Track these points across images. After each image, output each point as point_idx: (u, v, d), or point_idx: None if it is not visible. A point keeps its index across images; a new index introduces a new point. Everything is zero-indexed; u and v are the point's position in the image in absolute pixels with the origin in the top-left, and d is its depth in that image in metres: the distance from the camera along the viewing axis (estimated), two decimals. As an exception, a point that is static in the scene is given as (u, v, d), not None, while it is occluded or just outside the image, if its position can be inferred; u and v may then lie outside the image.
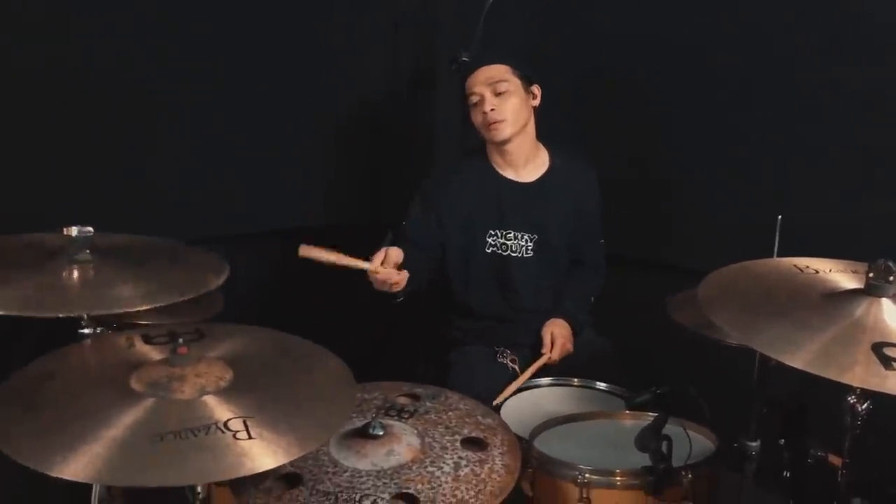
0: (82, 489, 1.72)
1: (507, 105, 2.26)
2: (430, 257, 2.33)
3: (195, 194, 2.66)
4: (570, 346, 2.33)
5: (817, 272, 1.63)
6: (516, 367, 2.32)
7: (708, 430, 1.85)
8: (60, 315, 1.60)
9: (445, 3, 3.02)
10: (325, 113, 2.97)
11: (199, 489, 1.49)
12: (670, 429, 1.62)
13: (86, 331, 1.74)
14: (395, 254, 2.06)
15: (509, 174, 2.37)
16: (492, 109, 2.25)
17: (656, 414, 1.67)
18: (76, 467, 1.23)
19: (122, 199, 2.45)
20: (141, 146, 2.57)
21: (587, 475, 1.64)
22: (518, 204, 2.35)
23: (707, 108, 2.64)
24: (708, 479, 1.71)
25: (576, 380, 2.26)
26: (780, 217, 1.90)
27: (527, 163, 2.38)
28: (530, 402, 2.18)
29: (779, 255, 1.84)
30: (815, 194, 2.41)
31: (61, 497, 1.93)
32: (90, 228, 1.73)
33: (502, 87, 2.25)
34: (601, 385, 2.24)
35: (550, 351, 2.29)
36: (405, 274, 2.07)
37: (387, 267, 2.03)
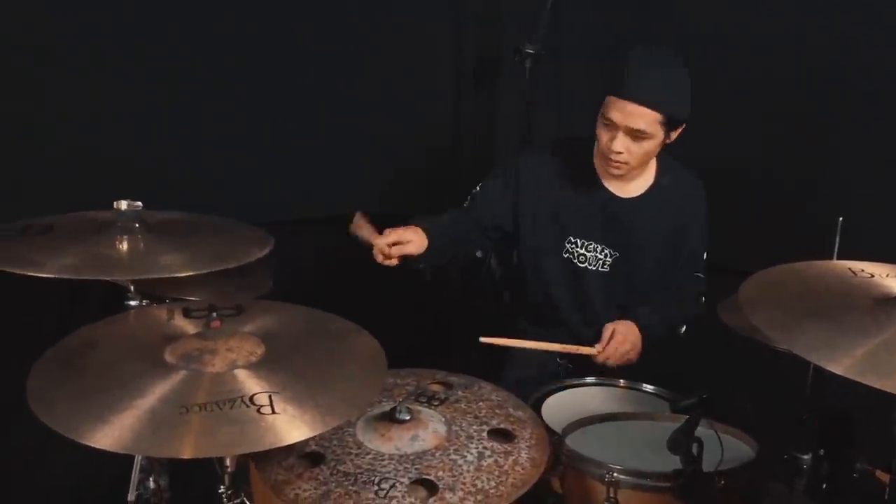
0: (125, 456, 1.79)
1: (639, 150, 2.07)
2: (483, 236, 2.28)
3: (252, 179, 2.71)
4: (631, 354, 2.14)
5: (872, 276, 1.55)
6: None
7: (748, 437, 1.77)
8: (104, 279, 1.67)
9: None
10: (384, 102, 2.99)
11: (227, 462, 1.52)
12: (706, 433, 1.56)
13: (132, 303, 1.81)
14: (399, 233, 2.04)
15: (610, 185, 2.23)
16: (620, 153, 2.07)
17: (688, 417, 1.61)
18: (106, 437, 1.28)
19: (175, 182, 2.52)
20: (196, 132, 2.64)
21: (615, 475, 1.60)
22: (609, 219, 2.22)
23: (768, 106, 2.55)
24: (744, 487, 1.64)
25: (622, 381, 2.20)
26: (840, 219, 1.82)
27: (631, 180, 2.22)
28: (574, 402, 2.13)
29: (838, 259, 1.76)
30: (880, 197, 2.30)
31: (106, 463, 2.02)
32: (139, 203, 1.80)
33: (643, 134, 2.03)
34: (648, 387, 2.17)
35: (604, 348, 2.12)
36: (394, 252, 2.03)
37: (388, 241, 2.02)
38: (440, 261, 2.19)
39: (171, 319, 1.64)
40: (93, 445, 1.27)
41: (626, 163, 2.09)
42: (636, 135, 2.03)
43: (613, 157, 2.08)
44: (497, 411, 1.69)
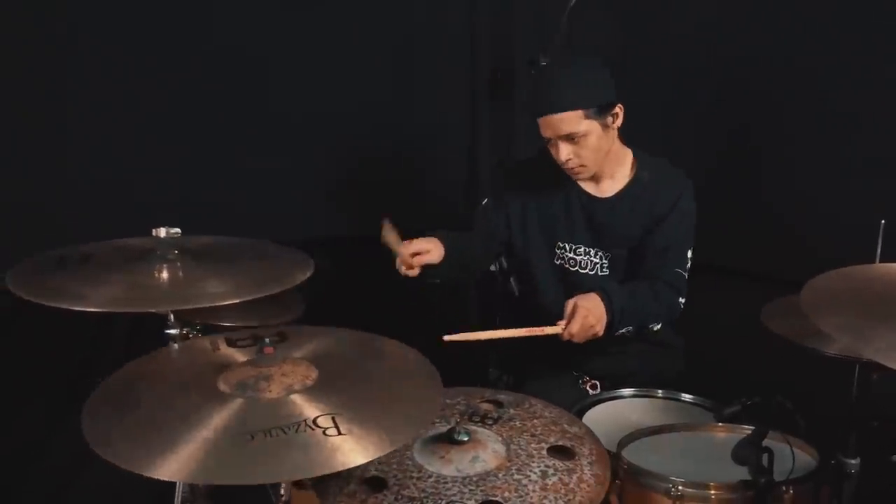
0: (166, 486, 1.75)
1: (584, 150, 2.09)
2: (488, 247, 2.30)
3: (283, 198, 2.69)
4: (597, 328, 2.01)
5: (927, 278, 1.54)
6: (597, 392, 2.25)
7: (806, 444, 1.76)
8: (149, 311, 1.64)
9: (524, 3, 2.98)
10: (400, 118, 2.98)
11: (282, 490, 1.49)
12: (770, 443, 1.54)
13: (172, 331, 1.77)
14: (419, 244, 2.07)
15: (588, 187, 2.24)
16: (568, 160, 2.10)
17: (748, 427, 1.60)
18: (172, 468, 1.25)
19: (210, 204, 2.49)
20: (230, 154, 2.62)
21: (681, 487, 1.58)
22: (591, 219, 2.23)
23: (805, 110, 2.54)
24: (809, 497, 1.62)
25: (660, 391, 2.19)
26: (883, 222, 1.82)
27: (607, 177, 2.23)
28: (613, 414, 2.11)
29: (881, 262, 1.75)
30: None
31: (145, 494, 1.97)
32: (178, 230, 1.77)
33: (576, 134, 2.06)
34: (686, 397, 2.16)
35: (567, 324, 2.00)
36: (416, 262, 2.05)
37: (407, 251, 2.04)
38: (456, 273, 2.20)
39: (217, 350, 1.61)
40: (160, 478, 1.23)
41: (582, 166, 2.13)
42: (572, 138, 2.07)
43: (566, 166, 2.13)
44: (553, 428, 1.67)
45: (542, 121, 2.08)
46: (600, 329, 2.03)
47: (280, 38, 2.71)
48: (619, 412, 2.12)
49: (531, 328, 2.02)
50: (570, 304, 2.02)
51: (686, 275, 2.19)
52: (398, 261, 2.06)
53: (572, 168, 2.14)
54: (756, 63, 2.60)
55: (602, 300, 2.03)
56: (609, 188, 2.24)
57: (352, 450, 1.28)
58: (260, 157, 2.71)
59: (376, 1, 2.89)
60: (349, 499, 1.46)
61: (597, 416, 2.08)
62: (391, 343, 1.66)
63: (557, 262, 2.28)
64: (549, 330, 2.02)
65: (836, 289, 1.50)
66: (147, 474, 1.24)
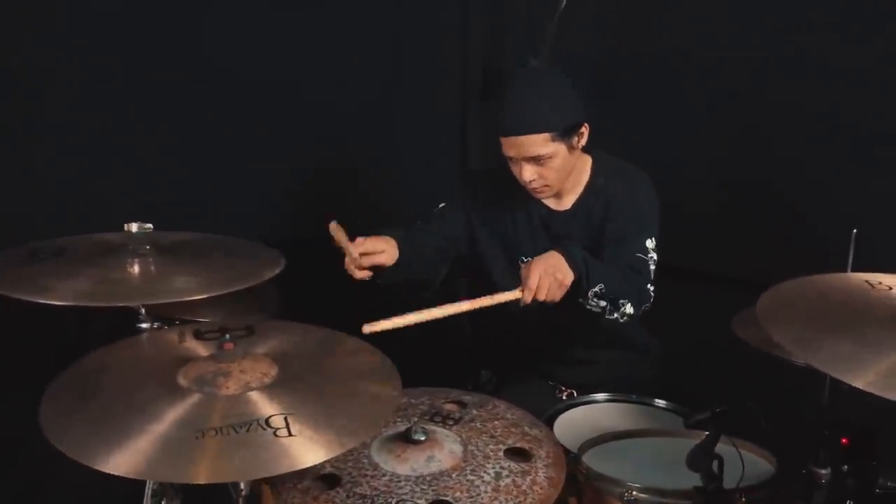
0: (138, 483, 1.77)
1: (548, 172, 2.05)
2: (441, 252, 2.23)
3: (262, 198, 2.71)
4: (562, 279, 1.87)
5: (891, 288, 1.53)
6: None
7: (767, 453, 1.76)
8: (120, 304, 1.66)
9: (515, 4, 2.98)
10: (389, 118, 2.98)
11: (241, 486, 1.51)
12: (725, 449, 1.54)
13: (144, 325, 1.79)
14: (371, 243, 2.01)
15: (548, 201, 2.20)
16: (532, 181, 2.06)
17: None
18: (121, 462, 1.26)
19: (183, 201, 2.51)
20: (206, 150, 2.64)
21: (634, 493, 1.58)
22: (550, 233, 2.20)
23: (781, 119, 2.54)
24: (765, 504, 1.62)
25: (634, 396, 2.19)
26: (854, 231, 1.81)
27: (567, 191, 2.19)
28: (586, 418, 2.12)
29: (852, 271, 1.75)
30: (893, 207, 2.28)
31: (116, 487, 2.00)
32: (150, 225, 1.79)
33: (541, 157, 2.01)
34: (660, 402, 2.16)
35: (528, 289, 1.87)
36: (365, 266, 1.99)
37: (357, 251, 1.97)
38: (407, 276, 2.12)
39: (183, 342, 1.63)
40: (107, 471, 1.25)
41: (546, 186, 2.08)
42: (537, 160, 2.02)
43: (530, 186, 2.08)
44: (513, 430, 1.68)
45: (505, 140, 2.03)
46: (566, 278, 1.89)
47: (268, 36, 2.72)
48: (592, 416, 2.13)
49: (482, 299, 1.87)
50: (524, 267, 1.91)
51: (650, 262, 2.09)
52: (346, 261, 1.99)
53: (535, 188, 2.09)
54: (744, 70, 2.59)
55: (561, 253, 1.93)
56: (567, 200, 2.20)
57: (301, 452, 1.29)
58: (241, 156, 2.73)
59: (368, 1, 2.90)
60: (302, 495, 1.48)
61: (569, 421, 2.09)
62: (357, 342, 1.67)
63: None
64: (504, 297, 1.87)
65: (792, 298, 1.50)
66: (96, 467, 1.25)
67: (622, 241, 2.10)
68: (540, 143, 2.00)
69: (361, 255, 1.98)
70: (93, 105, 2.47)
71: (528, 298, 1.88)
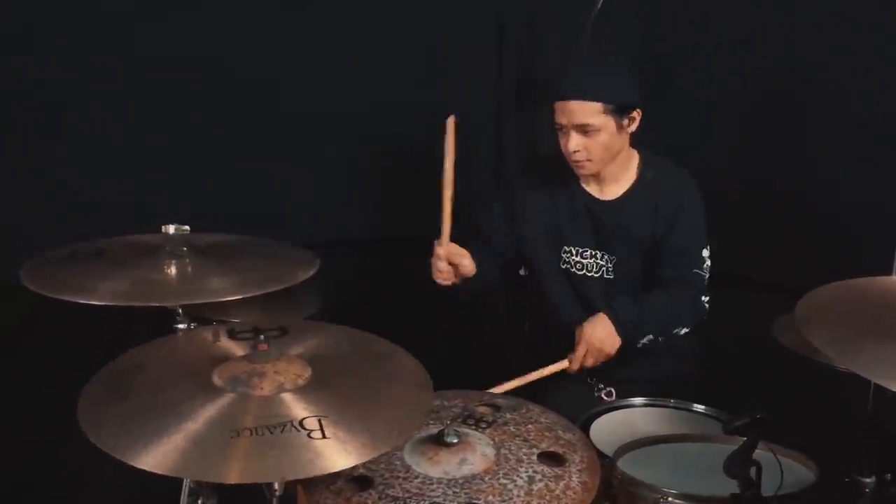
0: (176, 484, 1.80)
1: (594, 145, 2.08)
2: (500, 254, 2.29)
3: (296, 199, 2.73)
4: (607, 349, 2.06)
5: (936, 293, 1.49)
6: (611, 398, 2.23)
7: (808, 460, 1.71)
8: (157, 305, 1.68)
9: (550, 6, 2.97)
10: (425, 127, 2.98)
11: (276, 486, 1.51)
12: (763, 455, 1.51)
13: (181, 326, 1.82)
14: (457, 249, 2.09)
15: (592, 189, 2.23)
16: (576, 151, 2.09)
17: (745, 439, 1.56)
18: (155, 458, 1.27)
19: (220, 203, 2.55)
20: (242, 153, 2.67)
21: (670, 499, 1.56)
22: (597, 223, 2.21)
23: (824, 120, 2.48)
24: (805, 513, 1.59)
25: (672, 401, 2.15)
26: (901, 234, 1.77)
27: (612, 180, 2.22)
28: (622, 423, 2.09)
29: (896, 275, 1.71)
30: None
31: (154, 486, 2.03)
32: (187, 227, 1.82)
33: (590, 127, 2.06)
34: (699, 407, 2.12)
35: (575, 359, 2.07)
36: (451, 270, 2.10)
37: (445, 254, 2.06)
38: (479, 288, 2.21)
39: (217, 341, 1.64)
40: (140, 467, 1.27)
41: (588, 160, 2.10)
42: (585, 129, 2.05)
43: (573, 157, 2.11)
44: (546, 434, 1.66)
45: (559, 105, 2.07)
46: (611, 349, 2.06)
47: (302, 39, 2.74)
48: (628, 421, 2.10)
49: (541, 371, 2.07)
50: (578, 335, 2.06)
51: (705, 275, 2.17)
52: (435, 268, 2.08)
53: (577, 161, 2.12)
54: (776, 71, 2.55)
55: (609, 317, 2.06)
56: (614, 191, 2.23)
57: (334, 454, 1.29)
58: (277, 158, 2.75)
59: (403, 4, 2.90)
60: (335, 496, 1.48)
61: (606, 425, 2.06)
62: (389, 346, 1.68)
63: (563, 267, 2.27)
64: (556, 367, 2.07)
65: (832, 301, 1.46)
66: (130, 463, 1.27)
67: (682, 254, 2.16)
68: (591, 112, 2.04)
69: (449, 255, 2.08)
70: (132, 109, 2.52)
71: (575, 367, 2.07)
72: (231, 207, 2.54)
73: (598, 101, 2.04)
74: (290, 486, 1.56)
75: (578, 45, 2.59)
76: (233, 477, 1.26)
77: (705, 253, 2.17)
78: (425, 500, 1.44)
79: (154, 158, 2.52)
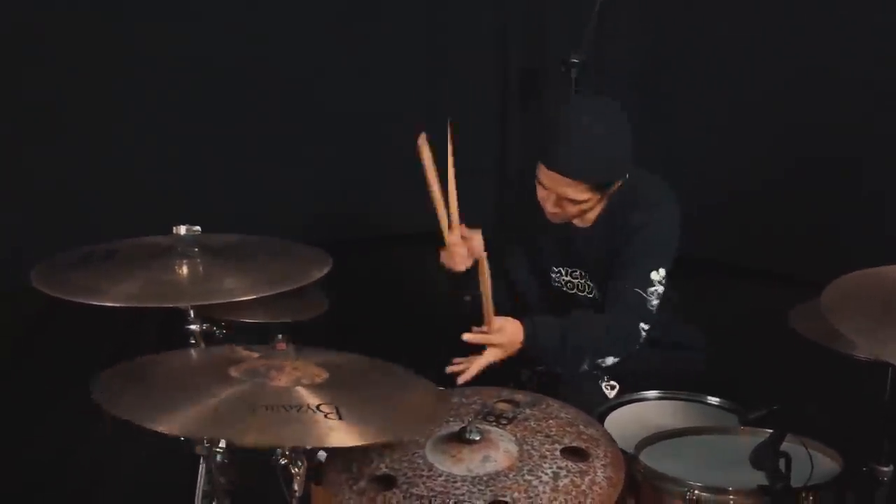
0: (190, 483, 1.78)
1: (573, 209, 2.02)
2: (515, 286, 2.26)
3: (306, 199, 2.71)
4: (502, 354, 1.97)
5: (958, 280, 1.48)
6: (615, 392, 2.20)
7: (832, 451, 1.71)
8: (169, 305, 1.66)
9: (553, 3, 2.95)
10: (429, 120, 2.95)
11: (295, 486, 1.49)
12: (790, 447, 1.50)
13: (193, 326, 1.79)
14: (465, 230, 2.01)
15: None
16: (553, 212, 2.04)
17: (773, 430, 1.56)
18: (174, 423, 1.27)
19: (230, 203, 2.53)
20: (251, 154, 2.65)
21: (696, 492, 1.54)
22: (574, 247, 2.17)
23: (832, 111, 2.48)
24: (832, 503, 1.58)
25: (685, 394, 2.15)
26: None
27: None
28: (635, 416, 2.08)
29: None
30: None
31: (166, 490, 2.01)
32: (198, 227, 1.79)
33: (573, 198, 1.98)
34: (712, 399, 2.11)
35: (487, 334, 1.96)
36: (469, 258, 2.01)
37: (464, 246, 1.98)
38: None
39: (232, 353, 1.63)
40: (158, 430, 1.26)
41: (563, 217, 2.06)
42: (568, 199, 1.99)
43: (548, 212, 2.06)
44: (568, 429, 1.65)
45: (546, 170, 1.97)
46: (504, 355, 1.97)
47: (307, 39, 2.72)
48: (641, 415, 2.09)
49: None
50: (499, 321, 1.95)
51: (649, 298, 2.02)
52: (450, 253, 2.00)
53: (551, 214, 2.07)
54: (787, 62, 2.54)
55: (524, 330, 1.96)
56: (591, 216, 2.13)
57: (350, 432, 1.30)
58: (282, 158, 2.73)
59: (405, 3, 2.89)
60: (359, 496, 1.46)
61: (619, 419, 2.05)
62: (405, 371, 1.65)
63: (555, 285, 2.24)
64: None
65: (859, 290, 1.45)
66: (150, 426, 1.26)
67: (624, 271, 2.04)
68: (577, 188, 1.96)
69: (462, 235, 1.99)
70: (141, 111, 2.49)
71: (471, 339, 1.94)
72: (241, 207, 2.52)
73: (586, 182, 1.96)
74: (306, 489, 1.54)
75: (583, 39, 2.57)
76: (249, 439, 1.27)
77: (655, 276, 2.03)
78: (450, 499, 1.42)
79: (164, 159, 2.50)
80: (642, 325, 2.02)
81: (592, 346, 2.00)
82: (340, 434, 1.29)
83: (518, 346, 1.96)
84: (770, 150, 2.64)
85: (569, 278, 2.23)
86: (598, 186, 1.98)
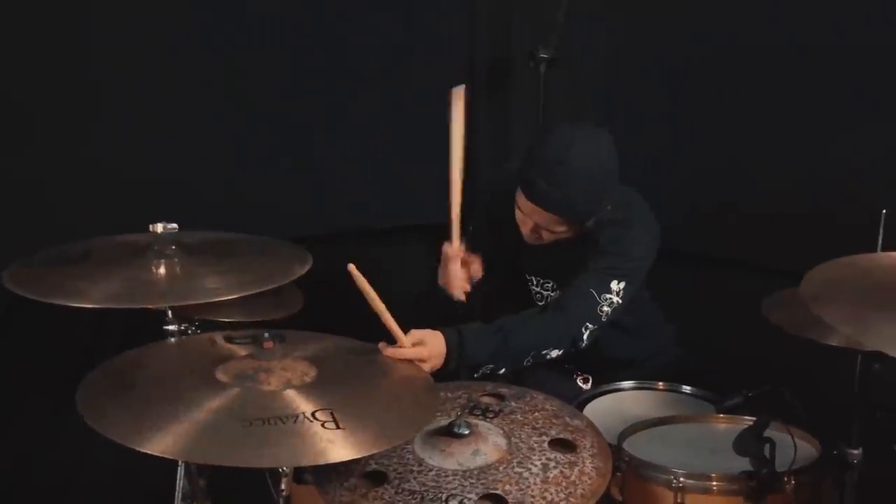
0: (166, 484, 1.75)
1: (550, 236, 2.01)
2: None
3: (282, 195, 2.68)
4: (427, 365, 1.75)
5: (929, 267, 1.53)
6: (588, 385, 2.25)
7: (809, 435, 1.76)
8: (146, 307, 1.63)
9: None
10: (397, 111, 2.94)
11: (283, 485, 1.48)
12: (771, 433, 1.54)
13: (170, 327, 1.76)
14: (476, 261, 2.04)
15: None
16: (528, 236, 2.03)
17: (750, 417, 1.59)
18: (164, 444, 1.24)
19: (209, 200, 2.48)
20: (227, 146, 2.61)
21: (682, 479, 1.57)
22: (552, 258, 2.13)
23: (802, 100, 2.51)
24: (811, 487, 1.62)
25: (661, 383, 2.18)
26: (884, 211, 1.81)
27: None
28: (613, 406, 2.11)
29: (882, 251, 1.75)
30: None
31: (146, 489, 1.96)
32: (175, 225, 1.76)
33: (550, 228, 1.98)
34: (687, 389, 2.16)
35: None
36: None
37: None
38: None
39: (214, 346, 1.61)
40: (145, 451, 1.22)
41: (539, 241, 2.04)
42: (545, 229, 1.98)
43: (524, 235, 2.04)
44: (554, 421, 1.66)
45: (522, 198, 1.96)
46: (430, 367, 1.76)
47: (277, 31, 2.68)
48: (619, 405, 2.12)
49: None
50: (418, 334, 1.76)
51: (601, 304, 1.97)
52: (447, 275, 2.04)
53: (527, 237, 2.05)
54: (755, 53, 2.57)
55: (446, 341, 1.81)
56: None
57: (349, 444, 1.29)
58: (255, 152, 2.69)
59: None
60: (350, 493, 1.46)
61: (597, 409, 2.08)
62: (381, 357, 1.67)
63: (534, 290, 2.24)
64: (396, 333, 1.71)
65: (837, 279, 1.49)
66: (138, 448, 1.23)
67: (586, 273, 2.00)
68: (556, 220, 1.95)
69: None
70: (114, 106, 2.43)
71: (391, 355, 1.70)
72: (218, 204, 2.47)
73: (563, 217, 1.93)
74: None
75: (553, 28, 2.58)
76: (245, 462, 1.24)
77: (615, 285, 1.98)
78: (443, 493, 1.43)
79: (139, 155, 2.44)
80: (588, 324, 1.97)
81: (536, 343, 1.94)
82: (340, 448, 1.27)
83: (443, 357, 1.80)
84: (740, 141, 2.67)
85: (539, 289, 2.22)
86: (576, 220, 1.96)
